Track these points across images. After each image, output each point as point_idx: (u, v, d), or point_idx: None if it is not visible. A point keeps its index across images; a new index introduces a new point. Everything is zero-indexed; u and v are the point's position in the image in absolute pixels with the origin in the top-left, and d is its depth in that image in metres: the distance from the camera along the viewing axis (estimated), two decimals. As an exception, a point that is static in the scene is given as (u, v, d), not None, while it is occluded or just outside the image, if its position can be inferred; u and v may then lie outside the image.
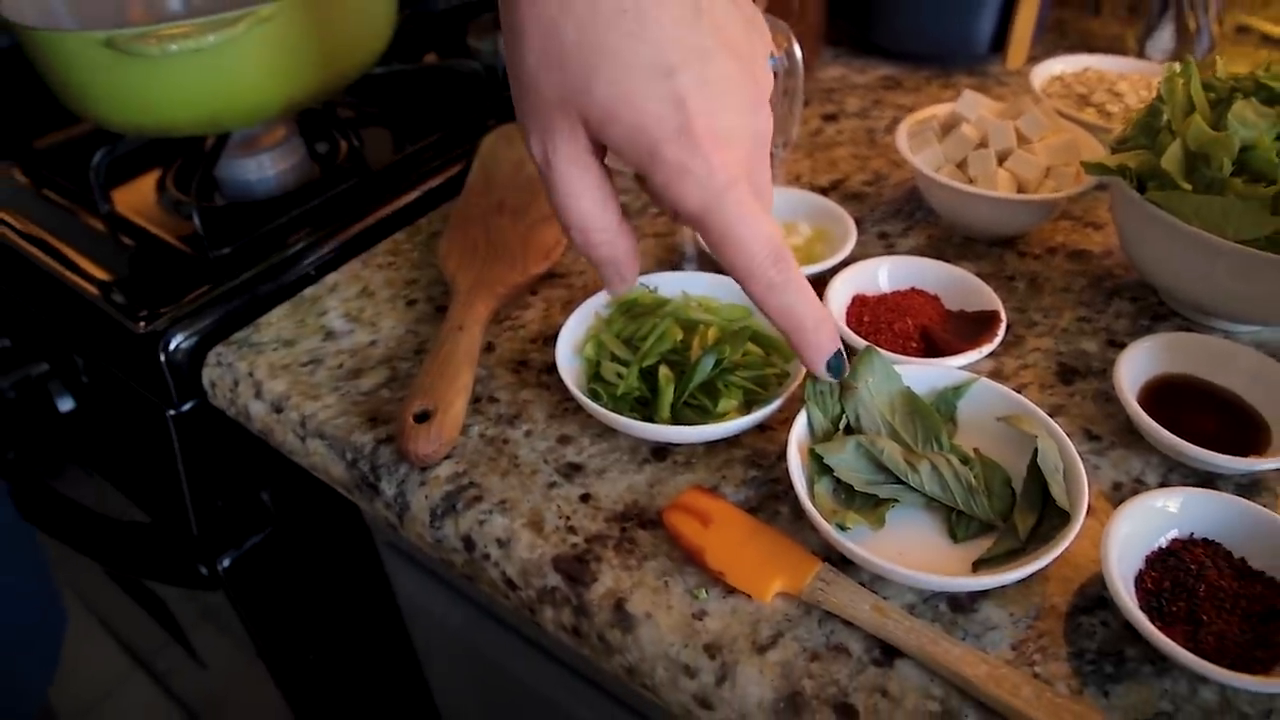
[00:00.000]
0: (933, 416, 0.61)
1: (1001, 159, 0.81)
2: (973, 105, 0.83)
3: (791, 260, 0.55)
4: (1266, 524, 0.56)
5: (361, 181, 0.94)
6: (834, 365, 0.59)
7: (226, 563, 0.88)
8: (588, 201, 0.56)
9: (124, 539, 0.93)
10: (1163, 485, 0.63)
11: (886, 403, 0.62)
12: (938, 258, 0.79)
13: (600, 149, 0.55)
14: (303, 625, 0.99)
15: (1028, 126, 0.81)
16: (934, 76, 1.14)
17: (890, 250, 0.82)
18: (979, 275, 0.78)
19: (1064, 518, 0.56)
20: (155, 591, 1.18)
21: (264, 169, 0.97)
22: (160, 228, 0.91)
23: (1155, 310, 0.77)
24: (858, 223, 0.85)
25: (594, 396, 0.65)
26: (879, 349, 0.64)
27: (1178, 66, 0.71)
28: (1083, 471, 0.57)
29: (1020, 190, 0.79)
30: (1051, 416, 0.65)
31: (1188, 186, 0.67)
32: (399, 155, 0.99)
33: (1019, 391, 0.67)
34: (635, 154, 0.53)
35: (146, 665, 1.70)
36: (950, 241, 0.85)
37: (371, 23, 0.92)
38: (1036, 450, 0.58)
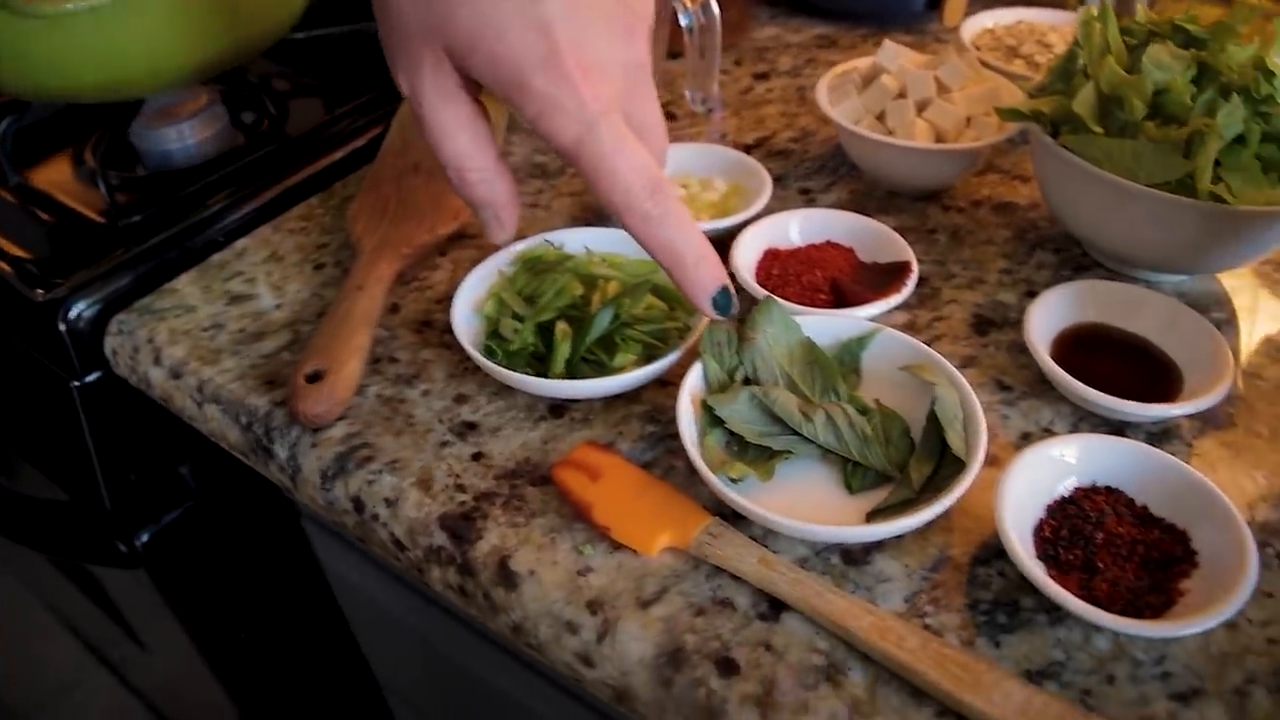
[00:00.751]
0: (831, 367, 0.59)
1: (921, 109, 0.79)
2: (893, 56, 0.81)
3: (670, 194, 0.52)
4: (1168, 471, 0.54)
5: (279, 148, 0.91)
6: (720, 302, 0.55)
7: (145, 539, 0.85)
8: (461, 139, 0.54)
9: (41, 517, 0.90)
10: (1073, 432, 0.60)
11: (785, 353, 0.60)
12: (860, 212, 0.76)
13: (473, 84, 0.53)
14: (231, 602, 0.97)
15: (948, 76, 0.79)
16: (870, 35, 1.12)
17: (812, 205, 0.80)
18: (900, 229, 0.76)
19: (962, 467, 0.53)
20: (93, 574, 1.16)
21: (184, 138, 0.95)
22: (77, 201, 0.88)
23: (1078, 261, 0.76)
24: (780, 179, 0.84)
25: (490, 354, 0.63)
26: (778, 299, 0.61)
27: (1095, 10, 0.69)
28: (982, 420, 0.55)
29: (939, 140, 0.77)
30: (963, 368, 0.63)
31: (1099, 130, 0.65)
32: (319, 121, 0.95)
33: (932, 343, 0.66)
34: (503, 86, 0.51)
35: (104, 658, 1.68)
36: (873, 196, 0.83)
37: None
38: (935, 399, 0.56)
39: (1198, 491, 0.53)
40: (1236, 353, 0.68)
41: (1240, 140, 0.64)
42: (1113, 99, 0.66)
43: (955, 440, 0.54)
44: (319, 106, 1.04)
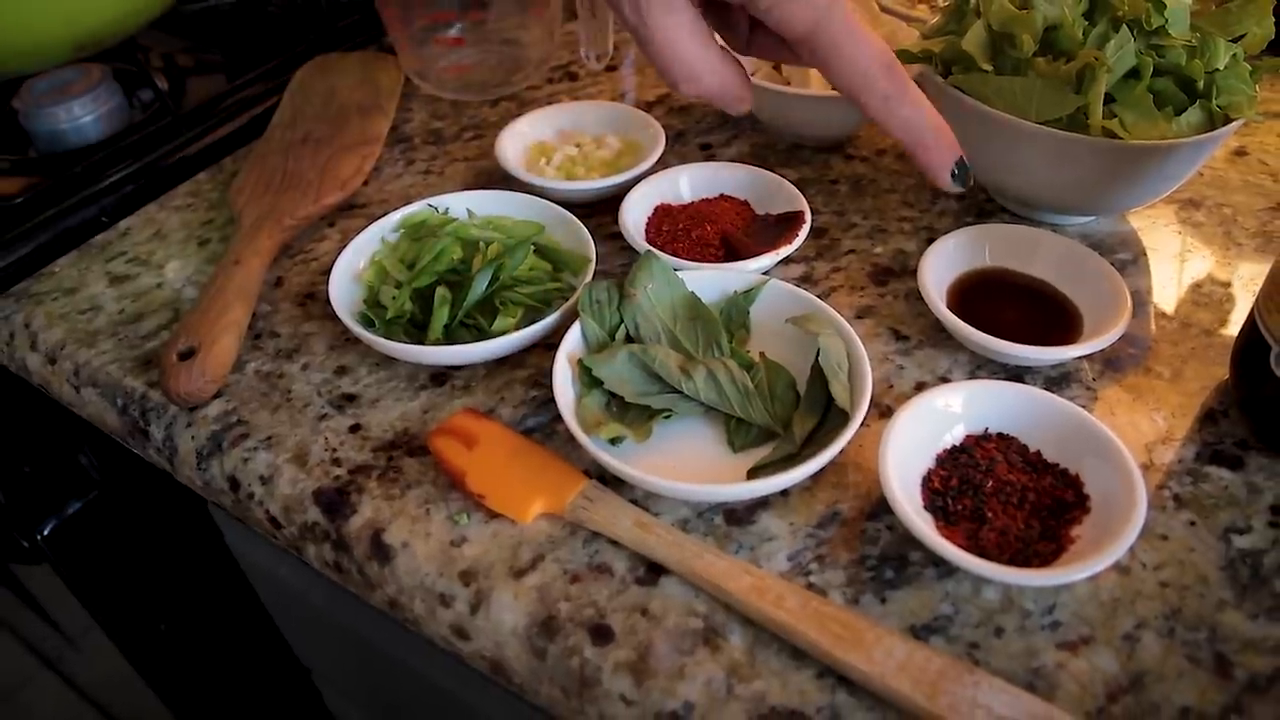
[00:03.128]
0: (714, 321, 0.57)
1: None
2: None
3: (903, 72, 0.51)
4: (1059, 415, 0.52)
5: (169, 124, 0.88)
6: (958, 174, 0.55)
7: (46, 531, 0.82)
8: (691, 44, 0.54)
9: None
10: (971, 379, 0.59)
11: (668, 309, 0.58)
12: (761, 165, 0.74)
13: None
14: (146, 594, 0.94)
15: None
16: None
17: (712, 159, 0.78)
18: (801, 180, 0.74)
19: (847, 420, 0.51)
20: (14, 571, 1.12)
21: (75, 117, 0.91)
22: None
23: (982, 207, 0.74)
24: (681, 135, 0.81)
25: (369, 323, 0.60)
26: (659, 254, 0.59)
27: (988, -53, 0.67)
28: (868, 371, 0.54)
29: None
30: (860, 318, 0.61)
31: (989, 68, 0.63)
32: (213, 95, 0.92)
33: (829, 294, 0.64)
34: None
35: (45, 658, 1.65)
36: (775, 149, 0.81)
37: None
38: (819, 350, 0.54)
39: (1089, 435, 0.51)
40: (1143, 293, 0.67)
41: (1134, 74, 0.62)
42: (1003, 36, 0.64)
43: (839, 392, 0.52)
44: (222, 80, 1.00)
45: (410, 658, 0.77)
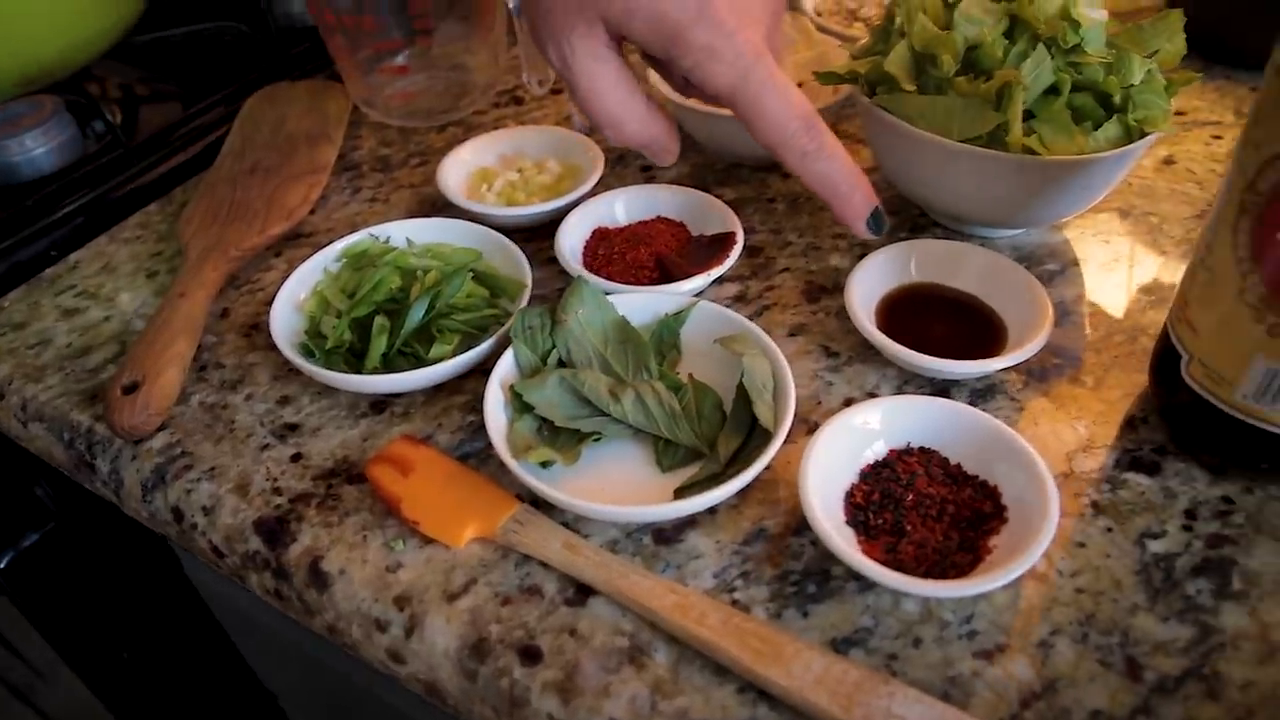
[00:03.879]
0: (643, 345, 0.59)
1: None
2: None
3: (823, 126, 0.54)
4: (978, 427, 0.54)
5: (122, 155, 0.89)
6: (872, 224, 0.59)
7: (3, 564, 0.83)
8: (615, 94, 0.56)
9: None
10: (899, 394, 0.60)
11: (599, 333, 0.59)
12: (700, 185, 0.76)
13: (617, 43, 0.55)
14: (107, 623, 0.95)
15: (776, 43, 0.78)
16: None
17: (651, 181, 0.79)
18: (738, 200, 0.76)
19: (770, 439, 0.53)
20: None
21: (27, 150, 0.93)
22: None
23: (916, 222, 0.75)
24: (622, 158, 0.83)
25: (309, 353, 0.62)
26: (589, 279, 0.60)
27: (912, -32, 0.68)
28: (791, 389, 0.55)
29: (770, 109, 0.76)
30: (792, 336, 0.63)
31: (911, 88, 0.65)
32: (165, 125, 0.93)
33: (762, 312, 0.65)
34: (660, 42, 0.53)
35: (14, 688, 1.65)
36: (714, 169, 0.82)
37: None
38: (743, 371, 0.55)
39: (1006, 446, 0.53)
40: (1069, 303, 0.68)
41: (1054, 91, 0.64)
42: (926, 56, 0.65)
43: (763, 411, 0.54)
44: (178, 109, 1.01)
45: (373, 682, 0.78)
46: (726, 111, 0.70)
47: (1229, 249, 0.49)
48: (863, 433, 0.54)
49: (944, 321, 0.64)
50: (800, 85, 0.75)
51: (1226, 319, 0.50)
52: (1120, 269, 0.70)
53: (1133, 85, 0.64)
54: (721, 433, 0.55)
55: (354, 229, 0.72)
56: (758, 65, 0.52)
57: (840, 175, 0.56)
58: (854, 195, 0.57)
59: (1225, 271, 0.49)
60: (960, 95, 0.63)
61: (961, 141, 0.63)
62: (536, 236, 0.73)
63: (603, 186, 0.76)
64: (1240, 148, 0.47)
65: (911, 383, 0.62)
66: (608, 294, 0.61)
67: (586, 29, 0.53)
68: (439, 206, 0.78)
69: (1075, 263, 0.71)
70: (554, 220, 0.70)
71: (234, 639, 0.97)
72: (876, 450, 0.54)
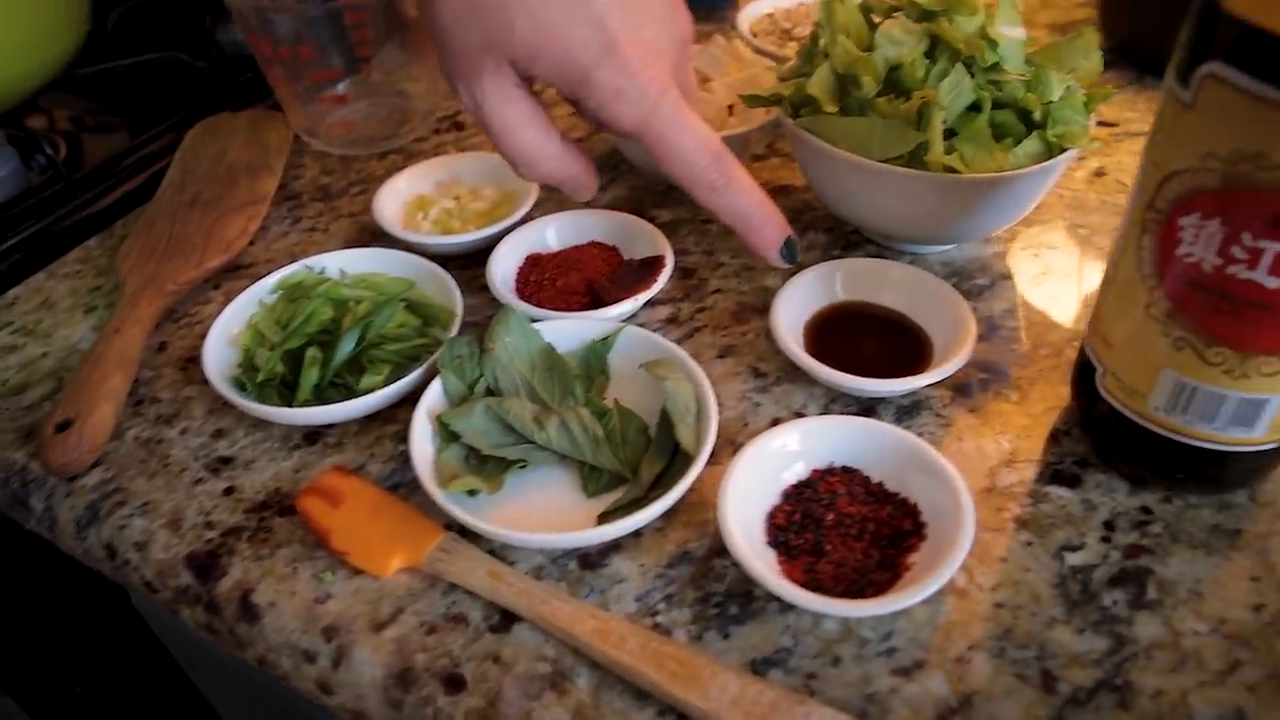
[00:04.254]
0: (568, 371, 0.59)
1: (682, 101, 0.78)
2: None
3: (731, 159, 0.56)
4: (897, 445, 0.55)
5: (64, 189, 0.89)
6: (785, 254, 0.60)
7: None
8: (527, 133, 0.57)
9: None
10: (825, 414, 0.62)
11: (526, 361, 0.60)
12: (636, 208, 0.77)
13: (528, 82, 0.56)
14: (57, 659, 0.94)
15: (707, 65, 0.79)
16: (671, 28, 1.11)
17: (589, 205, 0.80)
18: (674, 222, 0.76)
19: (692, 462, 0.53)
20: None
21: (-34, 184, 0.92)
22: None
23: (848, 240, 0.76)
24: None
25: (242, 387, 0.62)
26: (515, 308, 0.61)
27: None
28: (714, 413, 0.56)
29: (702, 131, 0.77)
30: (722, 357, 0.63)
31: (834, 109, 0.65)
32: (108, 157, 0.93)
33: (693, 334, 0.66)
34: (566, 83, 0.54)
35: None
36: (651, 191, 0.83)
37: (46, 21, 0.87)
38: (666, 395, 0.56)
39: (925, 464, 0.54)
40: (996, 318, 0.70)
41: (976, 108, 0.65)
42: (848, 78, 0.66)
43: (685, 435, 0.55)
44: (125, 140, 1.01)
45: (320, 711, 0.78)
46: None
47: (1134, 265, 0.50)
48: (782, 455, 0.55)
49: (872, 339, 0.65)
50: (730, 108, 0.76)
51: (1136, 333, 0.51)
52: (1050, 282, 0.71)
53: (1052, 102, 0.65)
54: (645, 457, 0.56)
55: (293, 259, 0.72)
56: (663, 103, 0.53)
57: (750, 208, 0.57)
58: (765, 227, 0.58)
59: (1132, 286, 0.50)
60: (881, 116, 0.64)
61: (883, 161, 0.64)
62: (473, 263, 0.74)
63: (539, 211, 0.76)
64: (1141, 166, 0.48)
65: (838, 401, 0.62)
66: (536, 321, 0.62)
67: (495, 69, 0.53)
68: (377, 235, 0.79)
69: (1005, 276, 0.72)
70: (489, 247, 0.71)
71: (185, 668, 0.97)
72: (797, 471, 0.55)
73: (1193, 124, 0.44)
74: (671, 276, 0.71)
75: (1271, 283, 0.44)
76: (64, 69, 0.89)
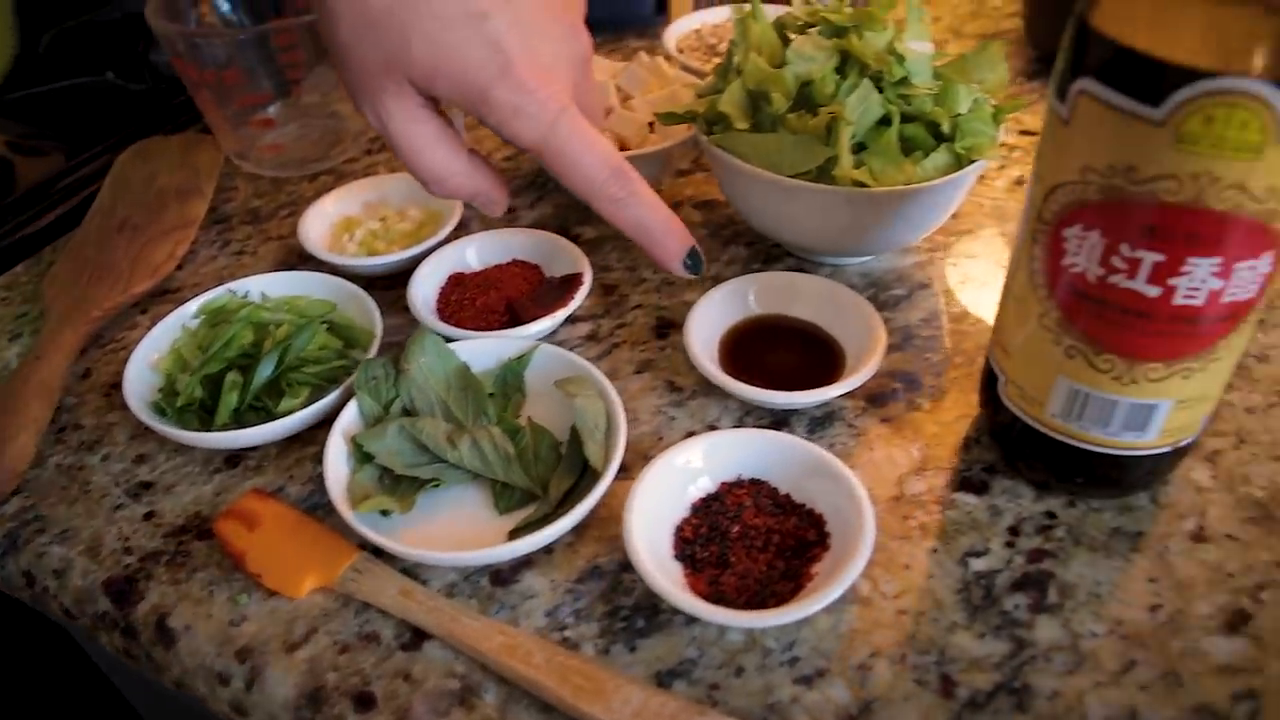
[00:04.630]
0: (480, 390, 0.60)
1: (604, 116, 0.79)
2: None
3: (631, 174, 0.56)
4: (802, 456, 0.56)
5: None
6: (689, 263, 0.61)
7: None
8: (434, 152, 0.58)
9: None
10: (738, 427, 0.63)
11: (442, 381, 0.60)
12: (561, 226, 0.78)
13: (432, 100, 0.56)
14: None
15: (629, 83, 0.80)
16: (604, 43, 1.13)
17: (513, 223, 0.81)
18: (599, 239, 0.77)
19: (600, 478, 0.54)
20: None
21: (-104, 212, 0.92)
22: None
23: (770, 253, 0.77)
24: (489, 200, 0.84)
25: (162, 412, 0.62)
26: (431, 330, 0.62)
27: (747, 6, 0.70)
28: (623, 428, 0.57)
29: (623, 148, 0.78)
30: (639, 373, 0.64)
31: (745, 126, 0.66)
32: (38, 182, 0.94)
33: (611, 350, 0.67)
34: (466, 101, 0.54)
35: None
36: (576, 208, 0.84)
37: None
38: (576, 412, 0.57)
39: (829, 474, 0.55)
40: (912, 327, 0.71)
41: (886, 122, 0.66)
42: (760, 94, 0.67)
43: (593, 451, 0.55)
44: (60, 163, 1.02)
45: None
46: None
47: (1027, 275, 0.51)
48: (688, 470, 0.55)
49: (787, 351, 0.66)
50: (651, 125, 0.77)
51: (1031, 341, 0.52)
52: (968, 290, 0.73)
53: (960, 114, 0.66)
54: (555, 474, 0.57)
55: (221, 283, 0.73)
56: (562, 120, 0.53)
57: (652, 220, 0.58)
58: (668, 239, 0.59)
59: (1026, 296, 0.51)
60: (791, 131, 0.65)
61: (793, 177, 0.65)
62: (398, 284, 0.74)
63: (465, 231, 0.77)
64: (1031, 179, 0.50)
65: (753, 414, 0.63)
66: (454, 341, 0.62)
67: (396, 90, 0.54)
68: (305, 257, 0.79)
69: (924, 286, 0.73)
70: (414, 268, 0.71)
71: (128, 698, 0.97)
72: (704, 485, 0.56)
73: (1070, 139, 0.46)
74: (593, 293, 0.72)
75: (1151, 291, 0.45)
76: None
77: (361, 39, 0.54)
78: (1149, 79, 0.41)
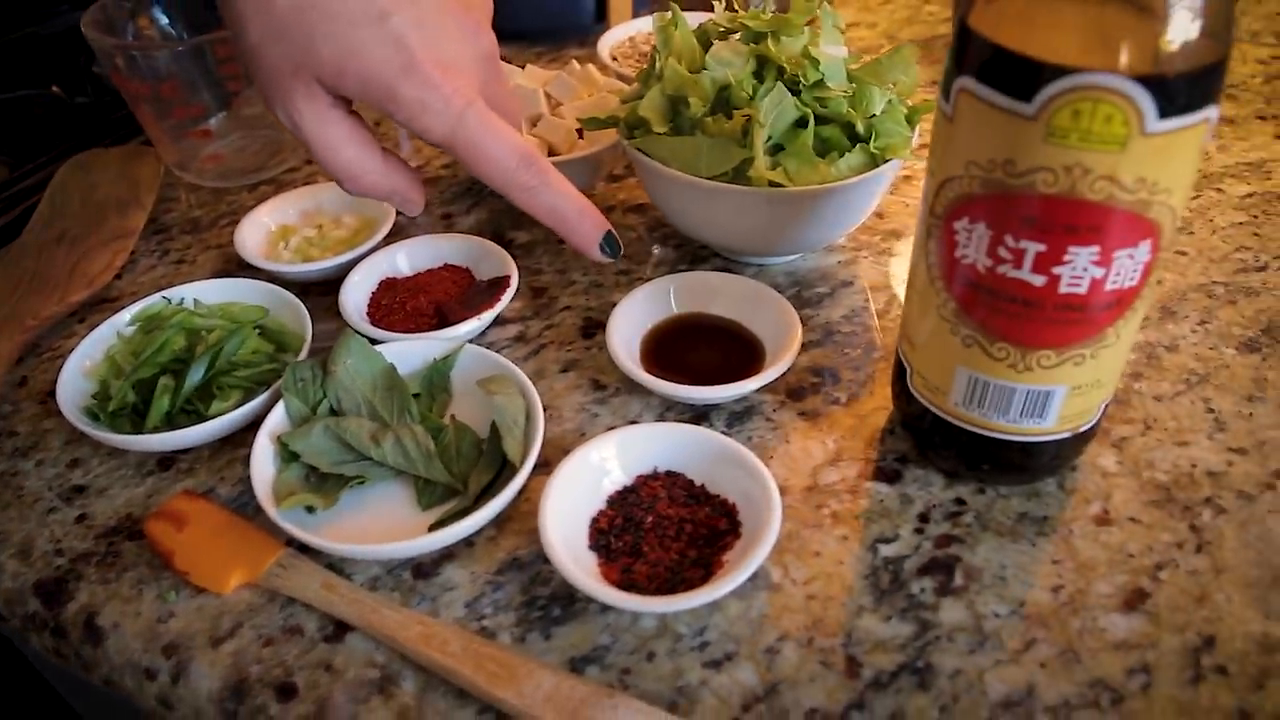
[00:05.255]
0: (405, 390, 0.62)
1: (534, 124, 0.81)
2: (508, 75, 0.83)
3: (543, 162, 0.57)
4: (714, 449, 0.57)
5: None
6: (607, 248, 0.62)
7: None
8: (348, 151, 0.58)
9: None
10: (660, 422, 0.64)
11: (368, 382, 0.62)
12: (495, 231, 0.79)
13: (344, 100, 0.57)
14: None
15: (557, 90, 0.82)
16: (545, 52, 1.15)
17: (450, 228, 0.82)
18: (531, 243, 0.79)
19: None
20: None
21: None
22: None
23: (696, 254, 0.79)
24: (426, 207, 0.85)
25: (95, 416, 0.64)
26: (357, 333, 0.63)
27: (669, 14, 0.72)
28: (540, 424, 0.59)
29: (551, 154, 0.80)
30: (565, 371, 0.66)
31: (664, 130, 0.68)
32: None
33: (539, 351, 0.70)
34: (374, 99, 0.54)
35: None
36: (510, 213, 0.86)
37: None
38: (495, 409, 0.58)
39: (740, 464, 0.56)
40: (833, 324, 0.73)
41: (803, 124, 0.68)
42: (678, 99, 0.69)
43: (511, 446, 0.57)
44: (4, 173, 1.02)
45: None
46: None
47: (925, 269, 0.53)
48: (601, 464, 0.57)
49: (709, 348, 0.68)
50: (580, 131, 0.79)
51: (933, 333, 0.54)
52: (890, 287, 0.75)
53: (874, 116, 0.68)
54: (475, 469, 0.58)
55: (159, 291, 0.74)
56: (469, 112, 0.54)
57: (566, 206, 0.60)
58: (583, 223, 0.61)
59: (925, 289, 0.53)
60: (708, 135, 0.67)
61: (711, 178, 0.66)
62: (333, 290, 0.76)
63: (400, 237, 0.78)
64: (926, 175, 0.51)
65: (674, 410, 0.65)
66: (379, 343, 0.64)
67: (306, 91, 0.54)
68: (243, 265, 0.81)
69: (846, 284, 0.75)
70: (347, 274, 0.73)
71: (70, 701, 0.97)
72: (618, 479, 0.57)
73: (955, 135, 0.47)
74: (523, 296, 0.74)
75: (1037, 280, 0.47)
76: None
77: (269, 42, 0.55)
78: (1020, 76, 0.43)
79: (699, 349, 0.67)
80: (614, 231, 0.61)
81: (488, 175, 0.57)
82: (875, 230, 0.80)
